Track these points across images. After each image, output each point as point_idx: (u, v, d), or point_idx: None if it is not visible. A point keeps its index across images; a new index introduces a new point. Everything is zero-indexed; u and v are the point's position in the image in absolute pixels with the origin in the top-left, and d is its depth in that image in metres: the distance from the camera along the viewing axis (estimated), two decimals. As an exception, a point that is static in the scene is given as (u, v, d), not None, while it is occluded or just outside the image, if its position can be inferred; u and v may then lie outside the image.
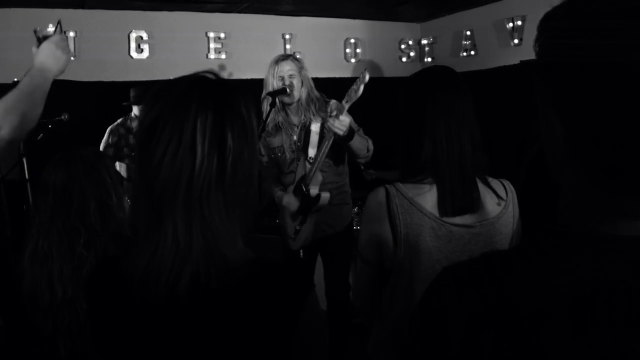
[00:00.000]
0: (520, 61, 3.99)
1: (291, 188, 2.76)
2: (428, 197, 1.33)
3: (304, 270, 2.84)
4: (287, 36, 4.75)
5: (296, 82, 2.68)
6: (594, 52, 0.55)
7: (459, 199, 1.31)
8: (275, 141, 2.81)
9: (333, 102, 2.74)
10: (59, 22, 1.71)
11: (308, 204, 2.65)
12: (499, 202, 1.36)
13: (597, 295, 0.53)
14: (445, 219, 1.32)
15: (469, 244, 1.33)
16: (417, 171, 1.35)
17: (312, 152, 2.65)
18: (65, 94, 3.03)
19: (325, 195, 2.63)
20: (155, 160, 0.80)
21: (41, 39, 1.64)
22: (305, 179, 2.66)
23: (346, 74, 5.01)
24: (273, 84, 2.69)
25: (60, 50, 1.60)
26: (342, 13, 4.85)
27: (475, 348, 0.56)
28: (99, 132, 4.28)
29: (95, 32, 4.12)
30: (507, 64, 4.20)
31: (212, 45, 4.53)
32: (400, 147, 1.40)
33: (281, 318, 0.82)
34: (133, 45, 4.30)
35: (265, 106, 2.71)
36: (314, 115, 2.69)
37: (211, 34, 4.52)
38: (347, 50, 5.07)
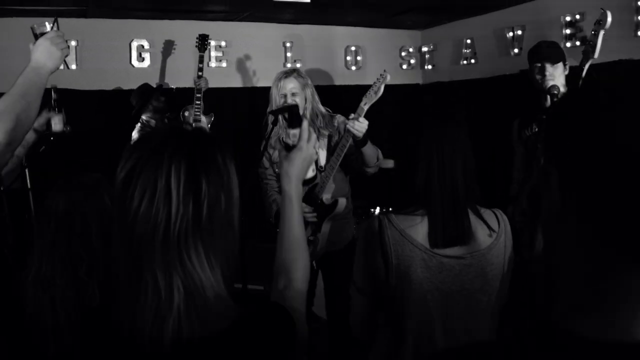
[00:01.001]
0: (520, 71, 4.01)
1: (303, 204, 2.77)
2: (419, 229, 1.35)
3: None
4: (288, 44, 4.76)
5: (299, 99, 2.68)
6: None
7: (450, 230, 1.33)
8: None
9: (339, 116, 2.76)
10: (55, 19, 1.76)
11: (322, 212, 2.67)
12: (490, 234, 1.38)
13: None
14: (436, 250, 1.34)
15: (460, 275, 1.34)
16: (409, 202, 1.37)
17: (322, 161, 2.69)
18: (66, 103, 3.05)
19: (342, 201, 2.66)
20: (132, 210, 0.81)
21: (38, 36, 1.69)
22: (316, 189, 2.68)
23: (347, 81, 5.02)
24: (276, 100, 2.71)
25: (55, 46, 1.64)
26: (342, 21, 4.87)
27: None
28: (100, 140, 4.30)
29: (96, 41, 4.14)
30: (506, 73, 4.21)
31: (213, 54, 4.54)
32: (396, 177, 1.42)
33: None
34: (134, 54, 4.32)
35: (269, 122, 2.73)
36: (318, 131, 2.70)
37: (212, 42, 4.53)
38: (348, 58, 5.08)
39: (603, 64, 2.82)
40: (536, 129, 2.67)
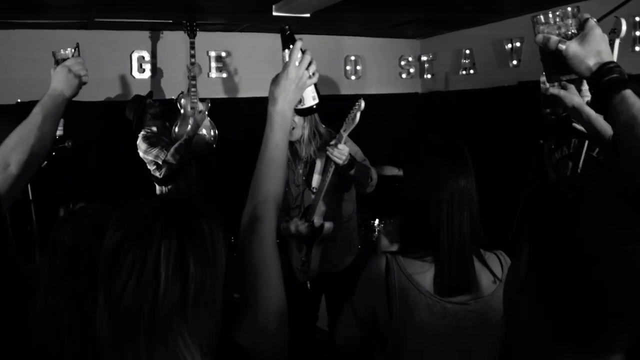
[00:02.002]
0: (519, 83, 4.03)
1: (296, 219, 2.78)
2: (427, 276, 1.37)
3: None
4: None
5: (297, 119, 2.64)
6: None
7: (456, 280, 1.36)
8: None
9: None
10: (77, 45, 1.75)
11: (312, 234, 2.68)
12: (494, 280, 1.40)
13: None
14: (441, 297, 1.37)
15: (462, 320, 1.37)
16: (418, 247, 1.40)
17: (315, 183, 2.68)
18: (66, 114, 3.06)
19: (329, 226, 2.66)
20: (118, 284, 0.80)
21: (59, 62, 1.68)
22: (308, 210, 2.69)
23: (346, 91, 5.04)
24: None
25: (73, 74, 1.64)
26: (342, 31, 4.88)
27: None
28: (100, 151, 4.32)
29: (97, 53, 4.15)
30: (505, 84, 4.23)
31: (213, 65, 4.56)
32: (404, 221, 1.44)
33: None
34: (135, 65, 4.34)
35: None
36: (315, 152, 2.68)
37: (212, 53, 4.56)
38: (348, 68, 5.10)
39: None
40: (566, 151, 2.64)
